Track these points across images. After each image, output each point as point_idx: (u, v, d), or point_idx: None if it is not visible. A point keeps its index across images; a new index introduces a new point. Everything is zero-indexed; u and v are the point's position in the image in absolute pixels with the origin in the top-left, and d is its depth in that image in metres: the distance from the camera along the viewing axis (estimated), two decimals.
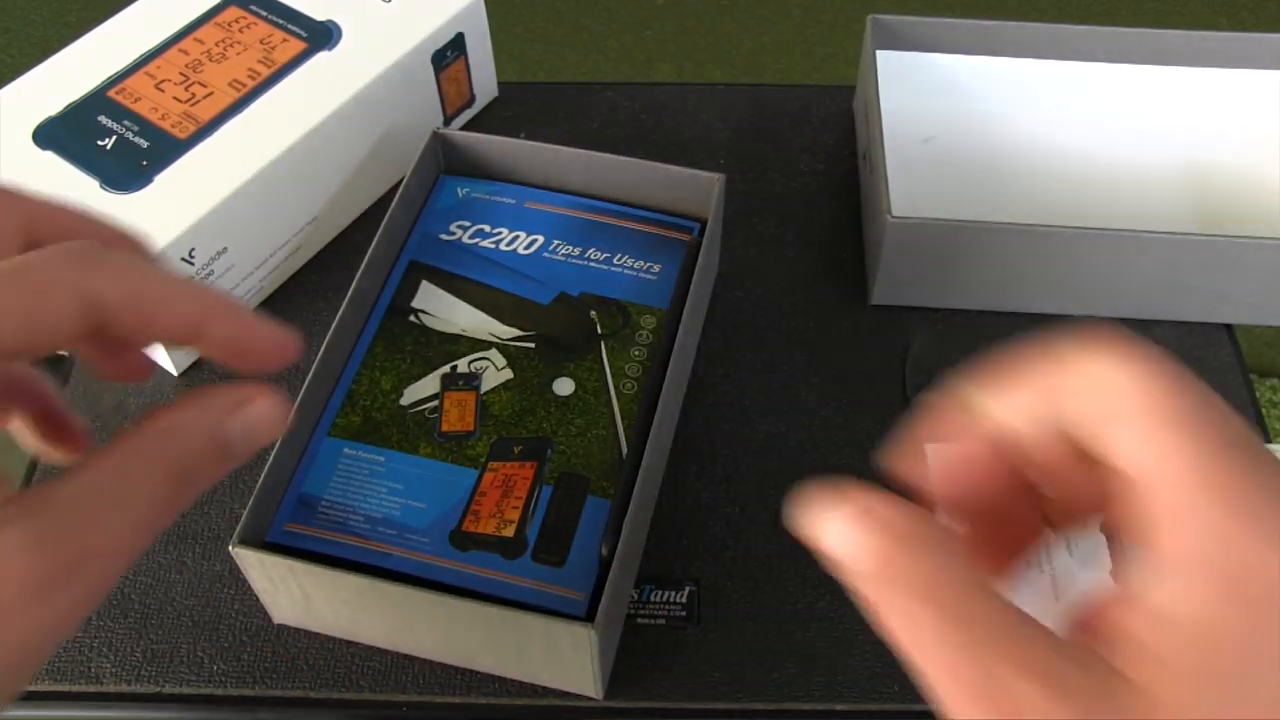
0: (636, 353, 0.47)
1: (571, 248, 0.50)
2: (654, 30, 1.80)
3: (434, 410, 0.45)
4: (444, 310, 0.48)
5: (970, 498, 0.25)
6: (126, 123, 0.54)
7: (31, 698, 0.46)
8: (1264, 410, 1.38)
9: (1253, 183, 0.63)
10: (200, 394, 0.27)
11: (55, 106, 0.55)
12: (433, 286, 0.49)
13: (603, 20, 1.79)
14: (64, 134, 0.54)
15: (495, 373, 0.46)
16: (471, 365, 0.46)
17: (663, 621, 0.47)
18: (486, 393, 0.45)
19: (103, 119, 0.54)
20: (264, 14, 0.59)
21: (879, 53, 0.63)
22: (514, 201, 0.51)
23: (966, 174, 0.63)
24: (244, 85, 0.56)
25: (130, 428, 0.26)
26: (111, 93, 0.55)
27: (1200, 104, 0.66)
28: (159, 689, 0.46)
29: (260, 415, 0.27)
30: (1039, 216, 0.56)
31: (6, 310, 0.24)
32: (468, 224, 0.51)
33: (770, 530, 0.50)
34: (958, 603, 0.22)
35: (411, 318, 0.48)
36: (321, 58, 0.57)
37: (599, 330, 0.47)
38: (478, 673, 0.46)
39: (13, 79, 0.56)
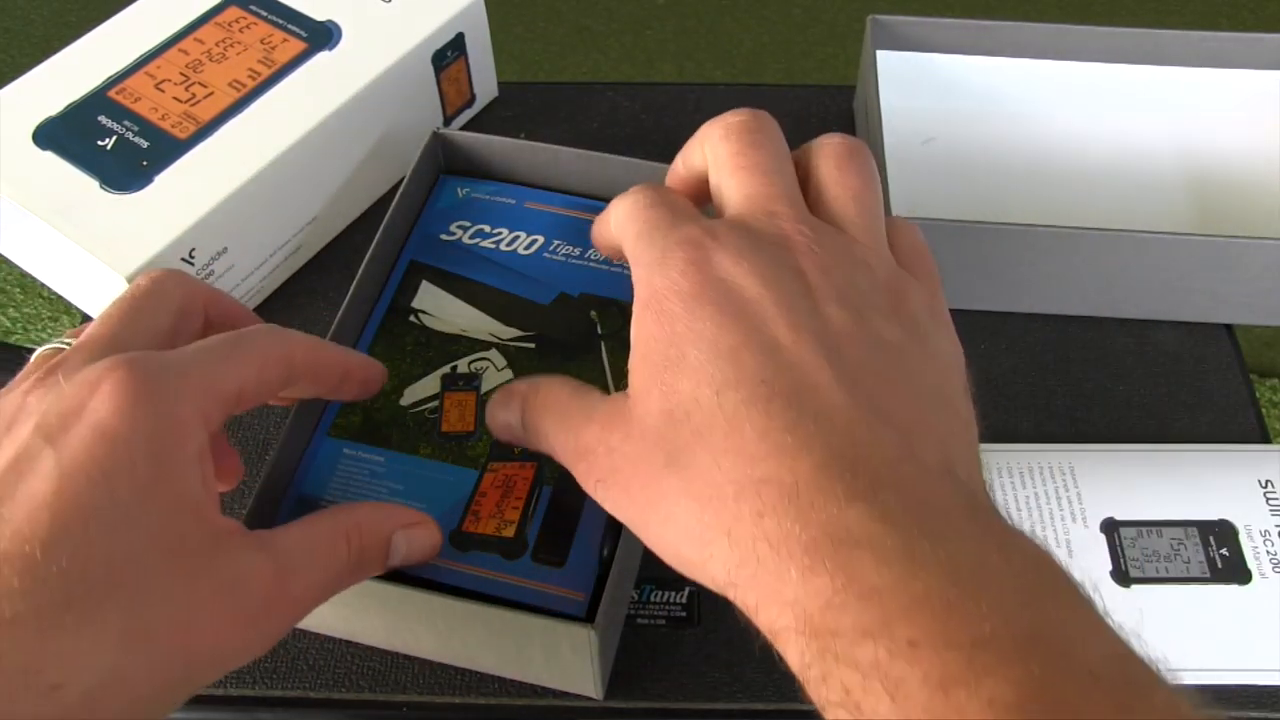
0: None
1: (571, 248, 0.49)
2: (654, 30, 1.80)
3: (434, 411, 0.44)
4: (444, 310, 0.48)
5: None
6: (127, 123, 0.54)
7: None
8: (1264, 410, 1.38)
9: (1252, 183, 0.63)
10: (381, 506, 0.39)
11: (55, 106, 0.55)
12: (433, 287, 0.49)
13: (603, 20, 1.79)
14: (64, 134, 0.54)
15: (495, 373, 0.46)
16: (472, 366, 0.46)
17: (663, 622, 0.47)
18: (487, 393, 0.45)
19: (103, 119, 0.54)
20: (264, 14, 0.59)
21: (879, 53, 0.63)
22: (514, 202, 0.51)
23: (966, 174, 0.63)
24: (244, 85, 0.56)
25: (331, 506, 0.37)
26: (112, 93, 0.55)
27: (1200, 104, 0.66)
28: None
29: (423, 539, 0.38)
30: (1039, 216, 0.56)
31: (245, 370, 0.33)
32: (468, 224, 0.50)
33: None
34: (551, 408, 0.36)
35: (411, 318, 0.48)
36: (321, 58, 0.57)
37: (599, 330, 0.47)
38: (477, 673, 0.46)
39: (13, 79, 0.56)
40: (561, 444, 0.35)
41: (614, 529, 0.41)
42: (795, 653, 0.26)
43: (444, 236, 0.50)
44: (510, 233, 0.50)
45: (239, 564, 0.30)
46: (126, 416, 0.29)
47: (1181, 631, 0.47)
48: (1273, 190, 0.62)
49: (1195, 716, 0.23)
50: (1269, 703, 0.46)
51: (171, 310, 0.36)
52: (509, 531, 0.41)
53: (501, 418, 0.38)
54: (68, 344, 0.34)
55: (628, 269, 0.49)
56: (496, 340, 0.47)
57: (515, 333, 0.47)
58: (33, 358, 0.34)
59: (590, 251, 0.50)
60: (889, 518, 0.25)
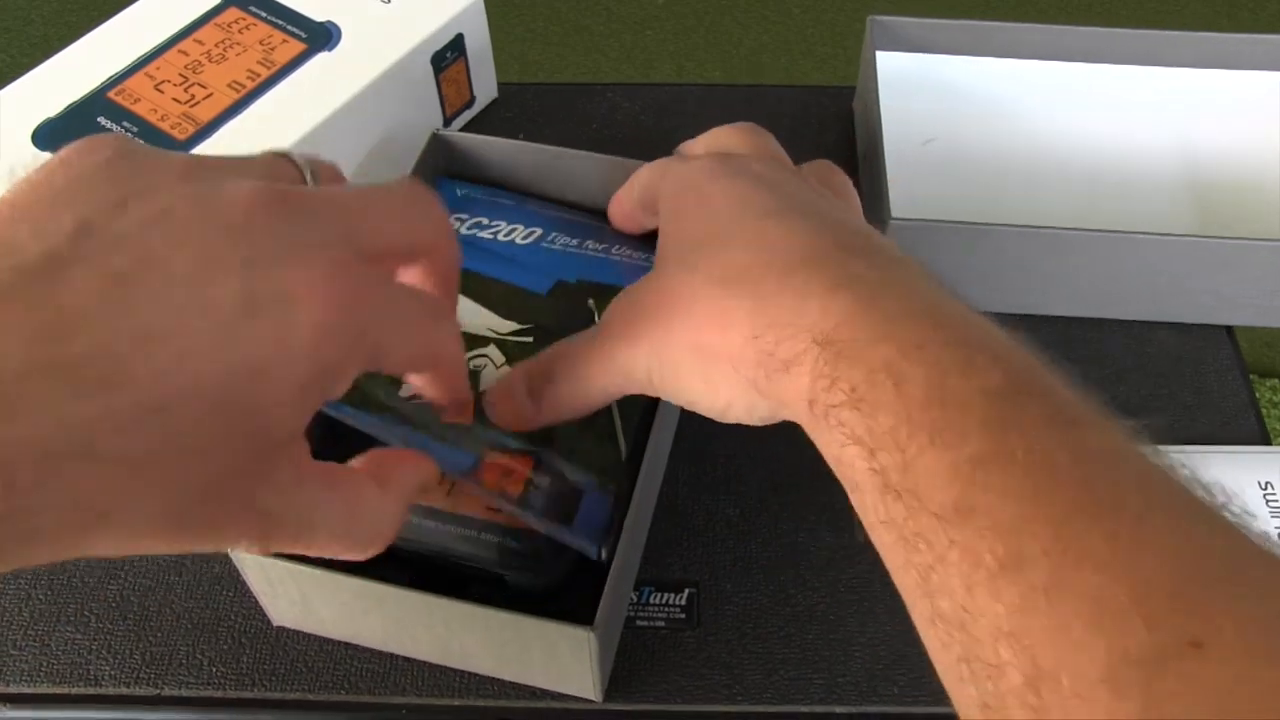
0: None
1: (570, 239, 0.49)
2: (654, 30, 1.80)
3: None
4: None
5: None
6: (126, 124, 0.54)
7: (30, 700, 0.46)
8: (1264, 410, 1.38)
9: (1252, 183, 0.63)
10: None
11: (55, 107, 0.55)
12: None
13: (603, 20, 1.79)
14: (64, 135, 0.54)
15: (494, 370, 0.45)
16: (470, 365, 0.45)
17: (662, 624, 0.47)
18: (483, 391, 0.43)
19: (102, 120, 0.54)
20: (264, 15, 0.59)
21: (879, 53, 0.63)
22: (512, 203, 0.51)
23: (967, 175, 0.63)
24: (243, 86, 0.56)
25: None
26: (111, 94, 0.55)
27: (1200, 105, 0.66)
28: (158, 691, 0.46)
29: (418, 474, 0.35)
30: (1039, 217, 0.56)
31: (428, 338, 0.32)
32: (465, 217, 0.50)
33: (770, 533, 0.50)
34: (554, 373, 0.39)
35: None
36: (321, 59, 0.57)
37: (597, 318, 0.46)
38: (476, 675, 0.46)
39: (13, 79, 0.56)
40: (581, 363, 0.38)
41: (614, 530, 0.41)
42: (808, 372, 0.30)
43: None
44: (509, 225, 0.50)
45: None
46: (321, 345, 0.26)
47: None
48: (1273, 191, 0.62)
49: (1127, 438, 0.27)
50: None
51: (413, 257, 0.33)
52: (515, 490, 0.40)
53: (505, 406, 0.39)
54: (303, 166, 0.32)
55: (626, 258, 0.49)
56: (494, 335, 0.46)
57: (513, 326, 0.46)
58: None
59: (590, 242, 0.49)
60: (887, 267, 0.33)
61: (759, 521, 0.51)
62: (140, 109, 0.55)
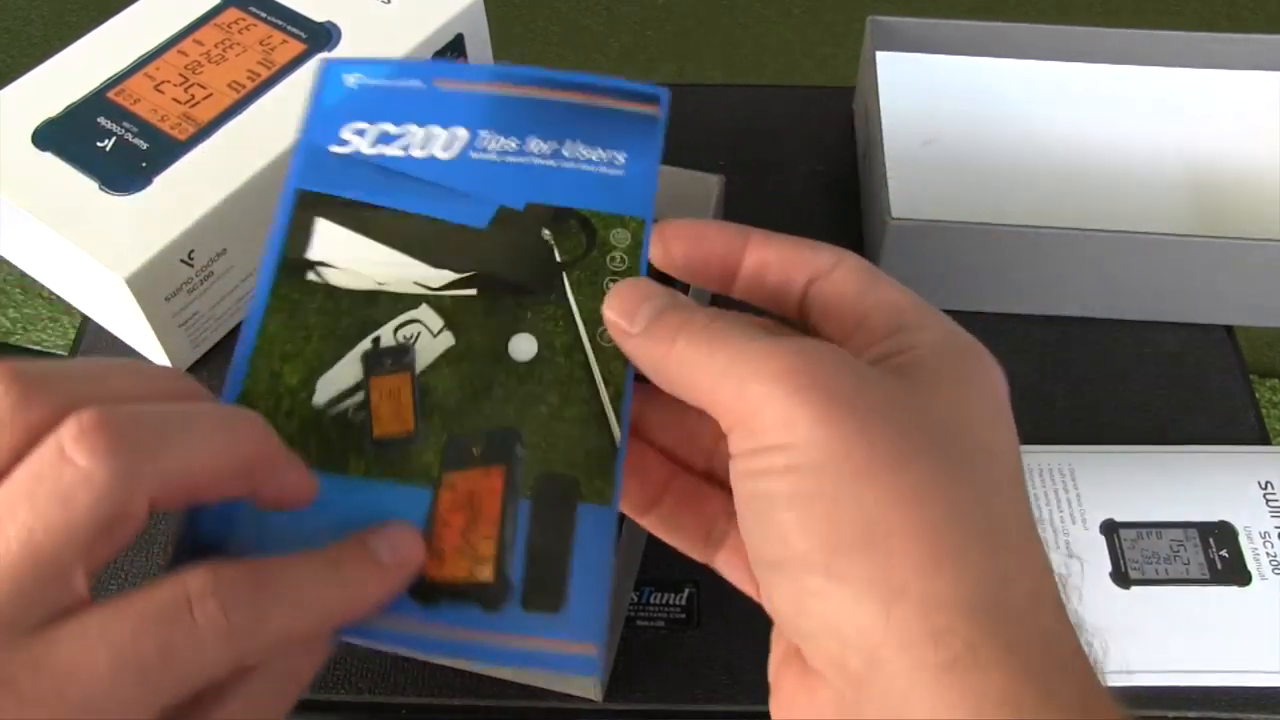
0: (612, 284, 0.34)
1: (506, 140, 0.37)
2: (654, 30, 1.80)
3: (360, 408, 0.34)
4: (352, 257, 0.36)
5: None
6: (126, 124, 0.54)
7: None
8: (1264, 410, 1.38)
9: (1253, 183, 0.63)
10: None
11: (55, 108, 0.55)
12: (332, 225, 0.36)
13: (603, 20, 1.79)
14: (63, 135, 0.54)
15: (431, 340, 0.35)
16: (399, 334, 0.35)
17: (662, 624, 0.47)
18: (423, 372, 0.34)
19: (102, 120, 0.54)
20: (263, 15, 0.59)
21: (879, 53, 0.63)
22: (421, 84, 0.38)
23: (966, 175, 0.63)
24: (243, 87, 0.56)
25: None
26: (111, 94, 0.55)
27: (1200, 105, 0.66)
28: None
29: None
30: (1039, 218, 0.56)
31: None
32: (364, 126, 0.37)
33: None
34: (732, 316, 0.29)
35: (311, 275, 0.35)
36: (321, 59, 0.57)
37: (557, 255, 0.36)
38: (477, 675, 0.46)
39: (13, 79, 0.56)
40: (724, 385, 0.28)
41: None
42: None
43: (335, 148, 0.37)
44: (422, 129, 0.38)
45: None
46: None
47: (1181, 633, 0.47)
48: (1273, 191, 0.62)
49: None
50: (1269, 704, 0.46)
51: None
52: (485, 573, 0.31)
53: (623, 325, 0.31)
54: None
55: (584, 163, 0.37)
56: (426, 290, 0.35)
57: (447, 275, 0.36)
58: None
59: (533, 139, 0.37)
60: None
61: None
62: (140, 109, 0.55)
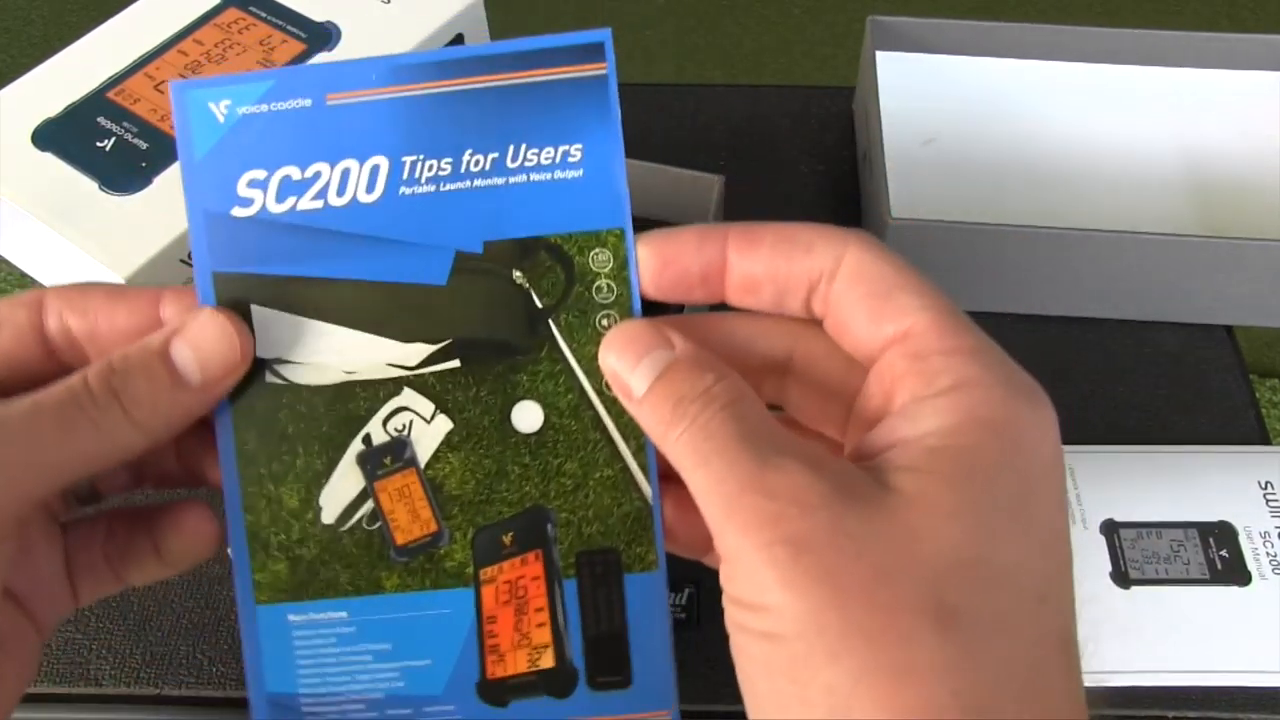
0: (605, 321, 0.31)
1: (437, 162, 0.31)
2: (654, 30, 1.80)
3: (374, 518, 0.31)
4: (308, 348, 0.30)
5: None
6: (126, 124, 0.54)
7: (31, 700, 0.46)
8: (1264, 410, 1.38)
9: (1253, 183, 0.63)
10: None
11: (55, 107, 0.55)
12: (270, 313, 0.30)
13: (603, 20, 1.79)
14: (63, 135, 0.54)
15: (426, 428, 0.31)
16: (390, 427, 0.31)
17: None
18: (428, 464, 0.31)
19: (102, 120, 0.54)
20: (263, 15, 0.59)
21: (879, 53, 0.63)
22: (309, 103, 0.30)
23: (966, 175, 0.63)
24: None
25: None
26: (111, 94, 0.55)
27: (1200, 105, 0.66)
28: (158, 691, 0.46)
29: (210, 334, 0.28)
30: (1039, 217, 0.56)
31: None
32: (261, 174, 0.30)
33: None
34: (732, 404, 0.25)
35: (269, 376, 0.30)
36: (321, 59, 0.57)
37: (537, 302, 0.31)
38: None
39: (13, 79, 0.56)
40: (728, 465, 0.25)
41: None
42: None
43: (238, 211, 0.30)
44: (332, 168, 0.31)
45: None
46: None
47: (1181, 633, 0.47)
48: (1273, 191, 0.62)
49: None
50: (1269, 704, 0.46)
51: None
52: (547, 661, 0.31)
53: (625, 380, 0.28)
54: None
55: (535, 170, 0.31)
56: (403, 371, 0.31)
57: (423, 349, 0.31)
58: None
59: (469, 157, 0.31)
60: None
61: None
62: (140, 109, 0.55)
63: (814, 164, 0.66)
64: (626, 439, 0.31)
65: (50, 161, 0.53)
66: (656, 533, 0.31)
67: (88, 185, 0.52)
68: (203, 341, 0.28)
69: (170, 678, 0.46)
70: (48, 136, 0.54)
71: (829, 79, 1.74)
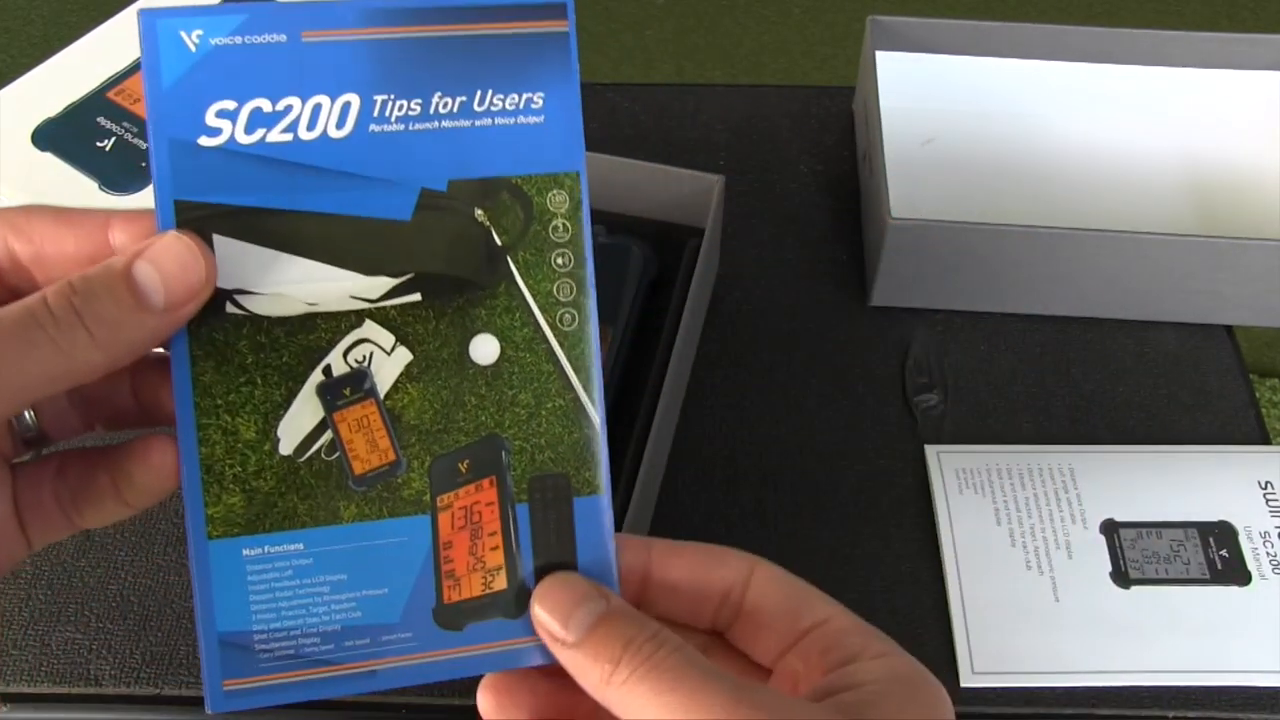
0: (560, 260, 0.33)
1: (407, 102, 0.32)
2: (654, 30, 1.80)
3: (332, 449, 0.31)
4: (271, 279, 0.31)
5: None
6: (125, 124, 0.54)
7: (31, 700, 0.46)
8: (1264, 410, 1.38)
9: (1253, 183, 0.63)
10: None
11: (55, 107, 0.55)
12: (233, 243, 0.31)
13: (603, 20, 1.79)
14: (63, 135, 0.54)
15: (386, 359, 0.32)
16: (350, 358, 0.32)
17: None
18: (388, 395, 0.32)
19: (102, 120, 0.54)
20: None
21: (879, 53, 0.63)
22: (284, 38, 0.31)
23: (966, 175, 0.63)
24: None
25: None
26: (111, 94, 0.55)
27: (1200, 105, 0.66)
28: (158, 691, 0.46)
29: (172, 253, 0.28)
30: (1039, 217, 0.56)
31: None
32: (231, 105, 0.31)
33: (769, 532, 0.50)
34: (683, 647, 0.28)
35: (230, 307, 0.31)
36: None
37: (497, 240, 0.32)
38: (477, 675, 0.46)
39: (13, 79, 0.56)
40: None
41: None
42: None
43: (205, 140, 0.31)
44: (304, 102, 0.31)
45: None
46: None
47: (1181, 633, 0.47)
48: (1273, 191, 0.62)
49: None
50: (1269, 704, 0.46)
51: None
52: (500, 583, 0.32)
53: (556, 633, 0.30)
54: None
55: (500, 115, 0.33)
56: (365, 303, 0.32)
57: (385, 282, 0.32)
58: None
59: (437, 100, 0.32)
60: None
61: (758, 521, 0.51)
62: (140, 109, 0.55)
63: (814, 164, 0.66)
64: (577, 371, 0.33)
65: (50, 161, 0.53)
66: (602, 459, 0.33)
67: (88, 185, 0.52)
68: (166, 263, 0.28)
69: (170, 678, 0.46)
70: (48, 136, 0.54)
71: (829, 79, 1.74)
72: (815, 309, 0.59)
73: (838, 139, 0.67)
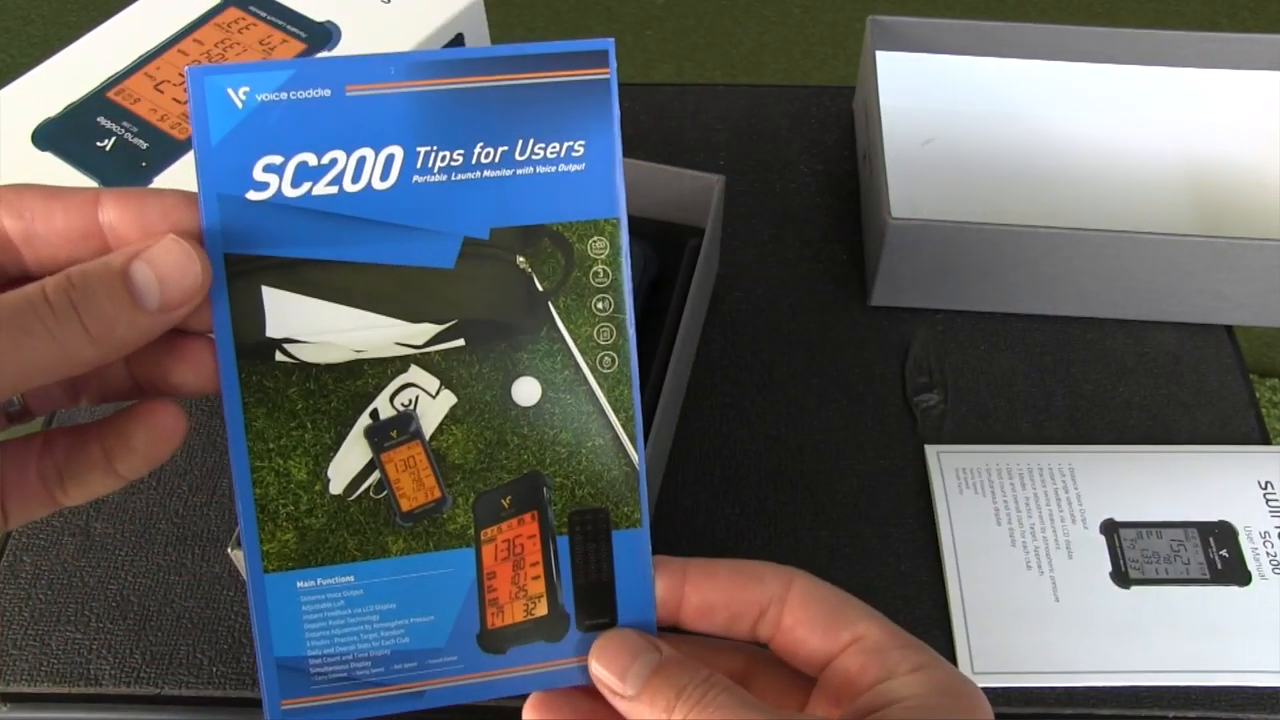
0: (600, 304, 0.34)
1: (450, 153, 0.33)
2: (654, 30, 1.80)
3: (380, 487, 0.33)
4: (318, 328, 0.32)
5: None
6: (126, 124, 0.54)
7: (30, 700, 0.46)
8: (1264, 410, 1.38)
9: (1253, 183, 0.63)
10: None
11: (55, 107, 0.55)
12: (281, 294, 0.32)
13: (603, 20, 1.79)
14: (63, 135, 0.54)
15: (431, 402, 0.33)
16: (396, 402, 0.33)
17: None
18: (433, 436, 0.33)
19: (102, 120, 0.54)
20: (263, 15, 0.59)
21: (879, 53, 0.63)
22: (329, 93, 0.32)
23: (966, 175, 0.63)
24: None
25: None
26: (111, 94, 0.55)
27: (1200, 105, 0.66)
28: (158, 691, 0.46)
29: (170, 256, 0.29)
30: (1039, 217, 0.56)
31: None
32: (277, 159, 0.32)
33: (769, 532, 0.50)
34: (732, 687, 0.30)
35: (279, 355, 0.32)
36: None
37: (538, 286, 0.33)
38: None
39: (13, 79, 0.56)
40: None
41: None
42: None
43: (253, 195, 0.32)
44: (349, 156, 0.32)
45: None
46: None
47: (1181, 633, 0.47)
48: (1273, 190, 0.62)
49: None
50: (1269, 704, 0.46)
51: None
52: (541, 609, 0.34)
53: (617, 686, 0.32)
54: None
55: (541, 164, 0.34)
56: (410, 349, 0.33)
57: (430, 329, 0.33)
58: None
59: (481, 149, 0.33)
60: None
61: (759, 521, 0.51)
62: (140, 109, 0.55)
63: (814, 164, 0.66)
64: (616, 411, 0.34)
65: (50, 161, 0.53)
66: (642, 494, 0.34)
67: (88, 185, 0.52)
68: (164, 265, 0.29)
69: (170, 678, 0.46)
70: (48, 136, 0.54)
71: (829, 79, 1.75)
72: (815, 309, 0.59)
73: (838, 139, 0.67)
